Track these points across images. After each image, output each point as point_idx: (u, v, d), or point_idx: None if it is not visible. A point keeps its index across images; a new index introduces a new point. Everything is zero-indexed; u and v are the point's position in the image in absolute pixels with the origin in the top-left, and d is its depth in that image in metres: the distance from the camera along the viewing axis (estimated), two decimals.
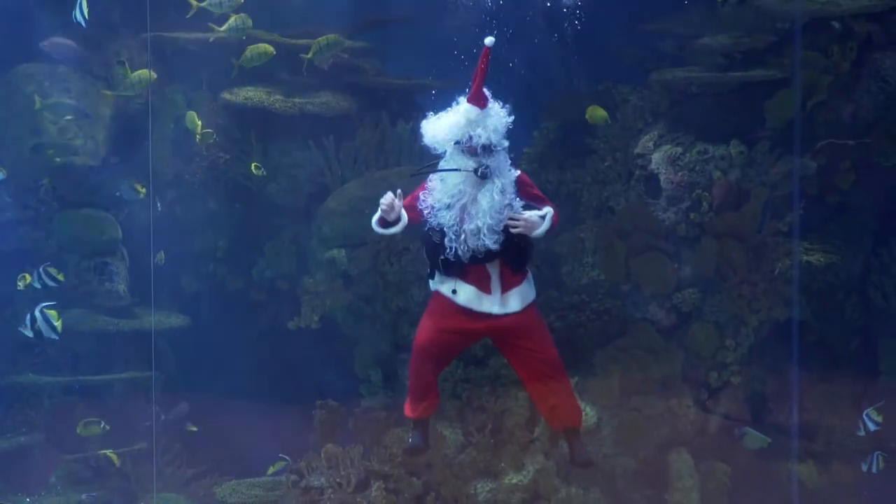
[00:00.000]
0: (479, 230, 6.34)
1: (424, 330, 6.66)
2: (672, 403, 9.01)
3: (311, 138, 9.92)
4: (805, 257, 8.94)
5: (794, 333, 8.87)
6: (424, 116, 6.57)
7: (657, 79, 9.38)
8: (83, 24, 9.18)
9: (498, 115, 6.40)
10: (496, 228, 6.34)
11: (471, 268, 6.46)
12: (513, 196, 6.41)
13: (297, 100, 9.84)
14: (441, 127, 6.45)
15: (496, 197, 6.34)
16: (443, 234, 6.41)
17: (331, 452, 9.24)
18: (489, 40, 6.25)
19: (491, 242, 6.34)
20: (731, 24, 9.21)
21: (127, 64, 9.60)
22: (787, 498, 8.74)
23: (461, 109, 6.41)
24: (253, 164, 9.73)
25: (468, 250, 6.37)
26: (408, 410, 6.88)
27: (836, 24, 9.00)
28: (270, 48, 9.41)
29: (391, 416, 9.39)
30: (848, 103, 9.09)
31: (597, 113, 9.31)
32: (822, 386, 9.12)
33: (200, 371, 10.02)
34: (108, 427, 9.51)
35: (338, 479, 9.12)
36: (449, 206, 6.39)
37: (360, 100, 10.07)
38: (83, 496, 9.53)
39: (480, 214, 6.34)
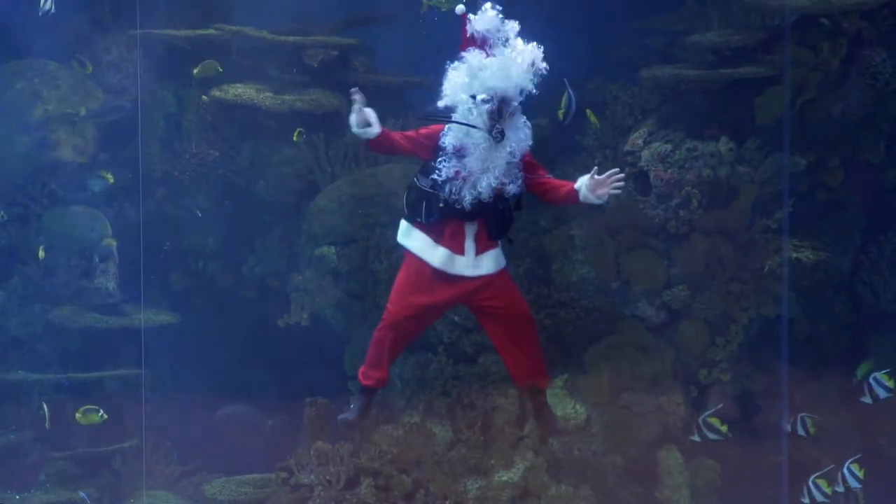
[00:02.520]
0: (473, 185, 6.30)
1: (397, 302, 6.64)
2: (662, 401, 9.02)
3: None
4: (794, 254, 8.95)
5: (783, 331, 8.89)
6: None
7: (647, 76, 9.37)
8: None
9: (520, 69, 6.33)
10: (492, 185, 6.30)
11: (450, 222, 6.41)
12: (519, 163, 6.38)
13: (286, 97, 9.82)
14: (459, 78, 6.38)
15: (503, 161, 6.30)
16: (434, 181, 6.37)
17: (320, 450, 9.23)
18: (460, 8, 6.25)
19: (486, 195, 6.30)
20: (721, 21, 9.21)
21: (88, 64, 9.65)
22: (777, 495, 8.74)
23: (480, 62, 6.34)
24: (297, 131, 9.70)
25: (457, 202, 6.32)
26: (362, 377, 6.85)
27: (826, 21, 9.00)
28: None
29: (381, 414, 9.39)
30: (838, 100, 9.10)
31: (591, 119, 9.33)
32: (811, 383, 9.13)
33: (190, 368, 10.00)
34: (105, 416, 9.48)
35: (327, 477, 9.11)
36: (452, 157, 6.35)
37: (349, 97, 10.02)
38: (81, 493, 9.51)
39: (482, 174, 6.30)
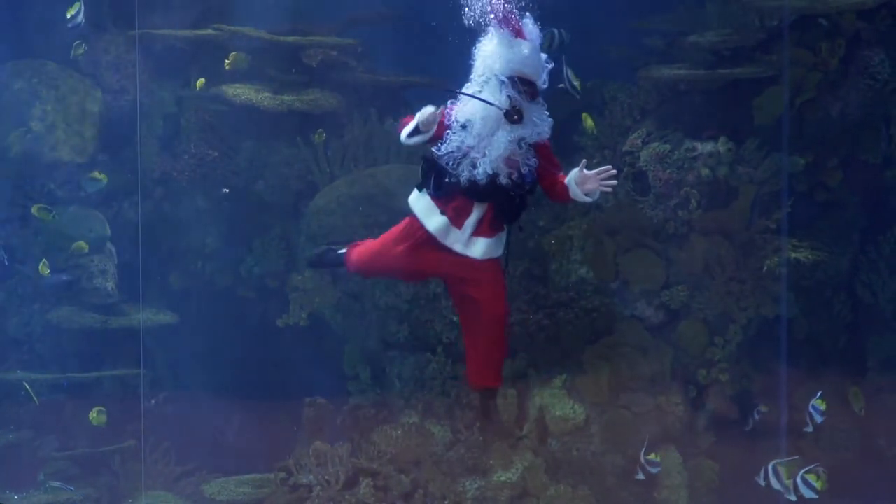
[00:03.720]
0: (477, 164, 6.27)
1: (379, 243, 6.70)
2: (660, 401, 9.02)
3: (299, 135, 9.90)
4: (793, 254, 8.95)
5: (782, 330, 8.89)
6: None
7: (645, 76, 9.37)
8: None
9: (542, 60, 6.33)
10: (490, 167, 6.27)
11: (458, 198, 6.39)
12: (531, 151, 6.35)
13: (285, 97, 9.81)
14: (487, 54, 6.33)
15: (512, 144, 6.26)
16: (446, 153, 6.34)
17: (319, 450, 9.24)
18: None
19: (482, 176, 6.27)
20: (720, 22, 9.21)
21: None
22: (776, 494, 8.74)
23: (510, 42, 6.27)
24: (319, 132, 9.77)
25: (462, 178, 6.30)
26: (350, 254, 6.95)
27: (825, 22, 9.01)
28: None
29: (380, 414, 9.40)
30: (836, 100, 9.11)
31: (586, 123, 9.32)
32: (810, 383, 9.12)
33: (189, 368, 10.00)
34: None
35: (326, 477, 9.12)
36: (464, 128, 6.32)
37: (348, 97, 10.05)
38: (54, 484, 9.51)
39: (489, 152, 6.26)
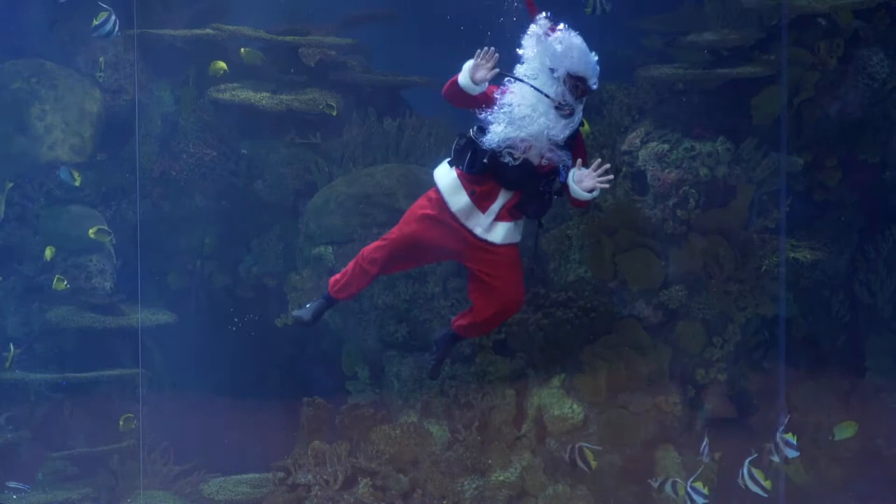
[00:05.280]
0: (516, 148, 6.26)
1: (402, 225, 6.57)
2: (659, 400, 9.01)
3: (297, 135, 9.91)
4: (792, 254, 8.95)
5: (780, 330, 8.89)
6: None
7: (644, 76, 9.38)
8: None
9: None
10: (531, 158, 6.25)
11: (488, 180, 6.35)
12: (568, 154, 6.32)
13: (284, 97, 9.82)
14: (545, 48, 6.28)
15: (555, 136, 6.24)
16: (483, 134, 6.32)
17: (318, 449, 9.24)
18: None
19: (520, 158, 6.21)
20: (718, 21, 9.21)
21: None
22: (775, 494, 8.74)
23: (570, 41, 6.23)
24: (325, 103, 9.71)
25: (501, 161, 6.27)
26: (332, 286, 6.75)
27: (823, 21, 9.01)
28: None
29: (378, 413, 9.40)
30: (835, 100, 9.11)
31: (582, 129, 9.30)
32: (808, 383, 9.13)
33: (187, 368, 10.01)
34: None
35: (325, 477, 9.12)
36: (511, 111, 6.25)
37: (346, 97, 10.06)
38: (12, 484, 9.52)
39: (531, 140, 6.26)
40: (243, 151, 9.96)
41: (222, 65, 9.70)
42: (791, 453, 8.24)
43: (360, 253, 6.65)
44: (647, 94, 9.44)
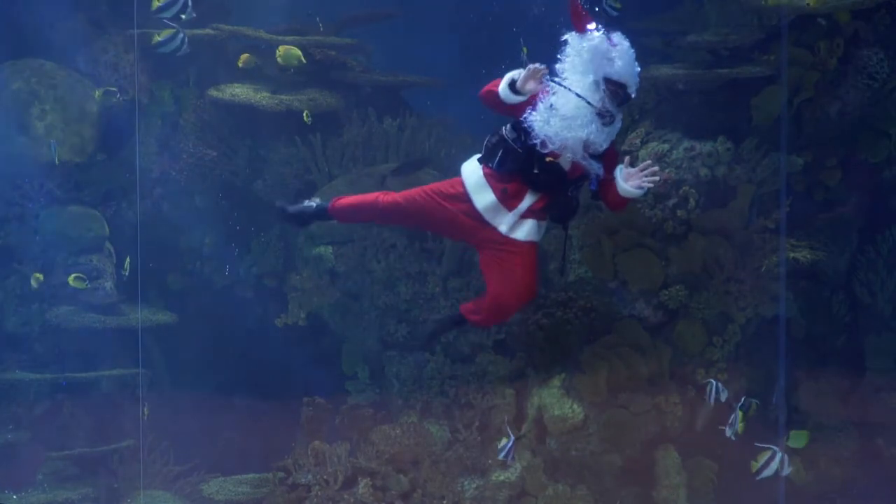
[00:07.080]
0: (546, 152, 6.28)
1: (419, 191, 6.57)
2: (659, 400, 9.01)
3: (297, 135, 9.91)
4: (792, 254, 8.94)
5: (780, 330, 8.89)
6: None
7: (644, 76, 9.26)
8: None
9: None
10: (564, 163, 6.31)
11: (516, 180, 6.38)
12: (601, 163, 6.40)
13: (283, 97, 9.82)
14: (593, 54, 6.35)
15: (592, 143, 6.30)
16: (519, 135, 6.33)
17: (318, 449, 9.24)
18: None
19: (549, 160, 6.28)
20: (718, 21, 9.21)
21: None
22: (775, 494, 8.74)
23: (615, 48, 6.35)
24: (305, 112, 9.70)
25: (533, 163, 6.30)
26: (335, 201, 6.82)
27: (823, 21, 9.00)
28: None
29: (378, 413, 9.40)
30: (835, 100, 9.10)
31: None
32: (808, 382, 9.13)
33: (188, 368, 10.01)
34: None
35: (325, 477, 9.12)
36: (551, 114, 6.30)
37: (346, 96, 10.06)
38: None
39: (567, 144, 6.28)
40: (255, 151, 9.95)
41: (297, 52, 9.67)
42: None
43: (379, 193, 6.73)
44: (646, 94, 9.42)
